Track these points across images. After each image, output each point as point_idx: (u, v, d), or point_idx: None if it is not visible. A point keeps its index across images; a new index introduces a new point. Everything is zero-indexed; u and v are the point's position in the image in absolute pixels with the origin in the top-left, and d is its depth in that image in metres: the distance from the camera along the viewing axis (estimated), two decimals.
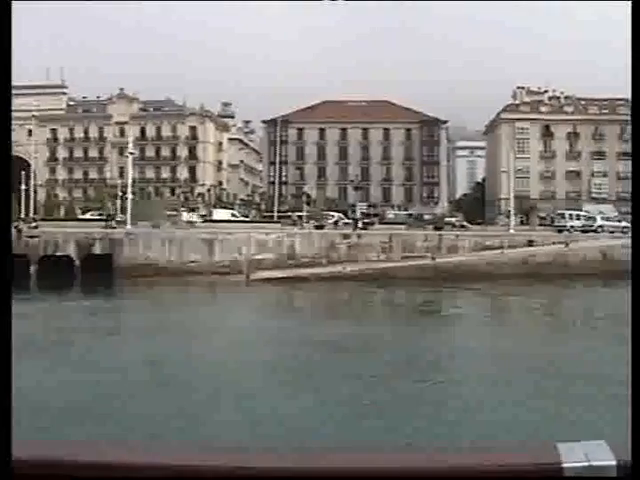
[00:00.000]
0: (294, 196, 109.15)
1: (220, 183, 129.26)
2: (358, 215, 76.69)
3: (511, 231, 64.78)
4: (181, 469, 1.91)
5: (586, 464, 1.79)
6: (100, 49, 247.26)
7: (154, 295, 44.87)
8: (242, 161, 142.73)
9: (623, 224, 71.02)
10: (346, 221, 75.93)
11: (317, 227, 67.20)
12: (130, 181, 66.66)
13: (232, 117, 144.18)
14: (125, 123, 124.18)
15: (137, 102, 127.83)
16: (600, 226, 68.96)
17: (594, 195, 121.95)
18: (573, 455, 1.81)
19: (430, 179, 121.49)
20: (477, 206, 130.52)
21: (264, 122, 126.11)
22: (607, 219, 73.50)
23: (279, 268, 52.86)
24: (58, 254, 53.99)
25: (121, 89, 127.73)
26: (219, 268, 53.01)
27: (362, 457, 2.10)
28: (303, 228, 65.07)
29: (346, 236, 57.46)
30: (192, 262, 53.60)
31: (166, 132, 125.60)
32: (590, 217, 73.38)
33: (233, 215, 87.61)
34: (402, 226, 70.38)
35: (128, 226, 60.39)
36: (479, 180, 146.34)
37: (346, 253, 55.45)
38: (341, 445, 13.41)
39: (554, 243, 58.89)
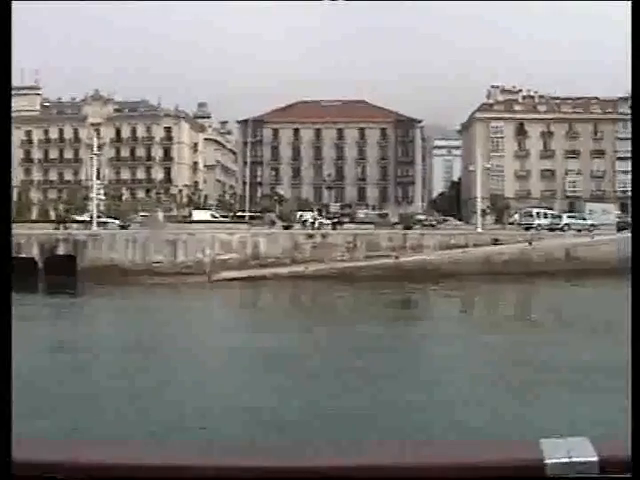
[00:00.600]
0: (266, 196, 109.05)
1: (196, 184, 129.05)
2: (322, 216, 76.92)
3: (479, 230, 64.93)
4: (182, 469, 1.91)
5: (568, 460, 1.79)
6: (78, 45, 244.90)
7: (116, 296, 44.78)
8: (219, 161, 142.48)
9: (589, 222, 71.51)
10: (321, 221, 75.96)
11: (285, 227, 67.22)
12: (95, 182, 66.51)
13: (208, 117, 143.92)
14: (100, 124, 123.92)
15: (112, 103, 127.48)
16: (566, 224, 69.23)
17: (568, 194, 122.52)
18: (556, 452, 1.82)
19: (405, 178, 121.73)
20: (453, 205, 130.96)
21: (238, 122, 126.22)
22: (574, 217, 73.77)
23: (243, 268, 52.85)
24: (21, 256, 53.53)
25: (96, 90, 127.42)
26: (183, 269, 52.96)
27: (351, 453, 2.06)
28: (272, 228, 65.18)
29: (310, 236, 57.51)
30: (156, 263, 53.52)
31: (141, 133, 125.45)
32: (557, 216, 73.67)
33: (213, 216, 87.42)
34: (371, 225, 70.77)
35: (94, 227, 60.27)
36: (455, 179, 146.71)
37: (311, 253, 55.47)
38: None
39: (519, 242, 59.10)
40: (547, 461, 1.79)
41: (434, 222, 78.66)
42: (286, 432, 14.63)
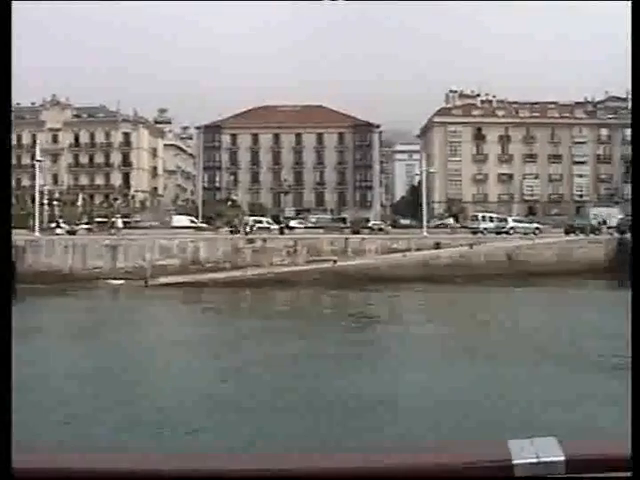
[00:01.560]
0: (220, 201, 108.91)
1: (155, 189, 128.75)
2: (273, 221, 77.11)
3: (424, 234, 65.08)
4: (179, 477, 1.90)
5: (535, 460, 1.80)
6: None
7: (53, 298, 44.68)
8: (179, 167, 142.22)
9: (534, 226, 72.08)
10: (264, 226, 76.01)
11: (232, 232, 67.19)
12: (38, 188, 66.28)
13: (169, 123, 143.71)
14: (59, 130, 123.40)
15: (71, 108, 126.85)
16: (512, 228, 69.63)
17: (526, 197, 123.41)
18: (523, 452, 1.82)
19: (363, 183, 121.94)
20: (413, 209, 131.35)
21: (197, 128, 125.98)
22: (520, 221, 74.24)
23: (183, 273, 52.74)
24: None
25: (53, 95, 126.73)
26: (122, 274, 52.76)
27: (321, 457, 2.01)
28: (217, 232, 65.15)
29: (251, 241, 57.44)
30: (95, 269, 53.29)
31: (100, 138, 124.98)
32: (502, 219, 74.11)
33: (192, 222, 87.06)
34: (321, 230, 71.10)
35: (36, 233, 59.89)
36: (415, 184, 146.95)
37: (251, 258, 55.42)
38: None
39: (461, 245, 59.30)
40: (515, 461, 1.80)
41: (383, 226, 79.00)
42: None
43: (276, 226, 73.69)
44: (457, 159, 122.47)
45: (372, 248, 57.67)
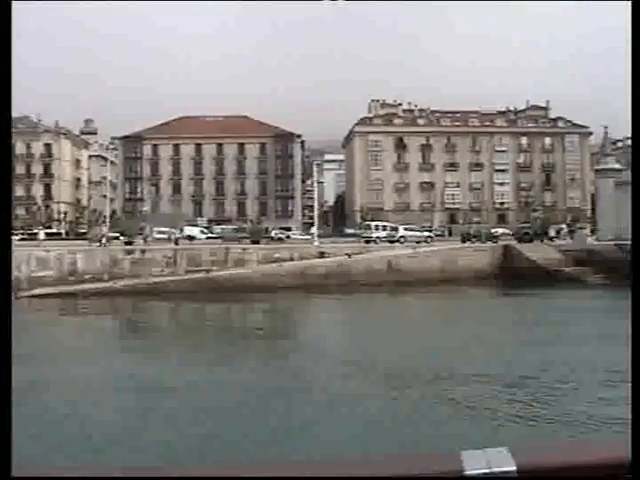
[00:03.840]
0: (128, 212, 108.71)
1: (78, 201, 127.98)
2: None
3: (315, 243, 65.42)
4: None
5: (488, 471, 1.82)
6: None
7: None
8: (105, 178, 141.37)
9: (426, 234, 72.89)
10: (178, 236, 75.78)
11: (126, 243, 66.91)
12: None
13: (94, 133, 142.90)
14: None
15: None
16: (402, 236, 70.22)
17: (448, 206, 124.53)
18: (476, 463, 1.84)
19: (284, 193, 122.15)
20: (339, 219, 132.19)
21: (119, 139, 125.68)
22: (411, 230, 74.83)
23: (59, 285, 52.46)
24: None
25: None
26: None
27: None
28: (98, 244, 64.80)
29: (129, 252, 57.36)
30: None
31: (21, 150, 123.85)
32: (394, 228, 74.73)
33: (202, 232, 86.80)
34: (219, 240, 71.42)
35: None
36: (341, 193, 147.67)
37: (130, 269, 55.31)
38: None
39: (347, 254, 59.55)
40: (467, 472, 1.83)
41: (282, 236, 79.51)
42: None
43: (179, 235, 73.69)
44: (378, 168, 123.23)
45: (253, 258, 57.85)
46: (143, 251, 57.48)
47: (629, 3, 4.05)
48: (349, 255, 58.03)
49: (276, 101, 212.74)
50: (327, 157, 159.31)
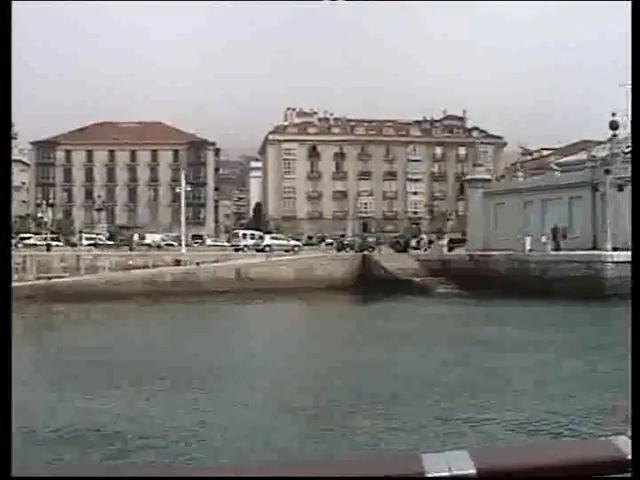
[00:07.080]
0: (23, 218, 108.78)
1: None
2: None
3: (183, 251, 66.14)
4: None
5: (448, 474, 1.84)
6: None
7: None
8: (24, 183, 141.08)
9: (293, 243, 74.02)
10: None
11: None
12: None
13: (14, 138, 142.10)
14: None
15: None
16: (268, 245, 71.16)
17: (361, 214, 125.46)
18: (436, 465, 1.85)
19: (196, 200, 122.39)
20: (257, 225, 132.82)
21: (32, 144, 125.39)
22: (276, 238, 76.01)
23: None
24: None
25: None
26: None
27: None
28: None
29: None
30: None
31: None
32: (260, 237, 75.87)
33: (162, 239, 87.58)
34: (93, 247, 72.00)
35: None
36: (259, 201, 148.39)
37: None
38: None
39: (203, 262, 60.26)
40: (428, 475, 1.84)
41: (162, 244, 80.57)
42: None
43: (54, 243, 74.06)
44: (292, 177, 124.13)
45: (106, 265, 58.33)
46: None
47: (629, 3, 4.15)
48: (198, 264, 58.75)
49: (217, 106, 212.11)
50: (252, 164, 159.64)
